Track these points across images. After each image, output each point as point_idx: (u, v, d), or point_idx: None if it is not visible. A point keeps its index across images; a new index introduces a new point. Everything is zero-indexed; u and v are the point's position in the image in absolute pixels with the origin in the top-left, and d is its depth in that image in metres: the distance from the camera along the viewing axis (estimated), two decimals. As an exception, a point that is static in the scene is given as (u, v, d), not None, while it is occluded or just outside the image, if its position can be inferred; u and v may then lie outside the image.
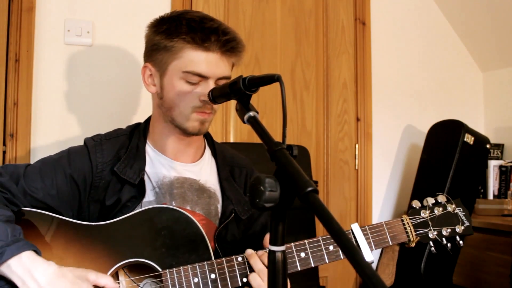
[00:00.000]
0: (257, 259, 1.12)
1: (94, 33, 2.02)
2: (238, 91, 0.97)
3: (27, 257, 1.02)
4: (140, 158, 1.26)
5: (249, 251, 1.14)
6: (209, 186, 1.32)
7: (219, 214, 1.30)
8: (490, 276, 2.11)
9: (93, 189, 1.23)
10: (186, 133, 1.25)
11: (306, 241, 1.16)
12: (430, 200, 1.25)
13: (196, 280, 1.09)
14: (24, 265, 1.01)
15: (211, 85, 1.20)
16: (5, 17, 1.87)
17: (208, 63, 1.18)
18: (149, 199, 1.24)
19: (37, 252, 1.05)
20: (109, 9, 2.05)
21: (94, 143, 1.27)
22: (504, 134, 2.70)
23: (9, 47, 1.87)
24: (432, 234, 1.22)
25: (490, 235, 2.09)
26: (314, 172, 2.36)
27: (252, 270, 1.12)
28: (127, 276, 1.14)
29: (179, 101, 1.21)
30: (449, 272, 2.26)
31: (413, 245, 1.22)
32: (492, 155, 2.60)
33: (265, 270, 1.08)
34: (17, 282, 1.01)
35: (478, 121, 2.80)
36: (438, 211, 1.23)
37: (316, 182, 2.31)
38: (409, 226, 1.21)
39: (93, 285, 1.05)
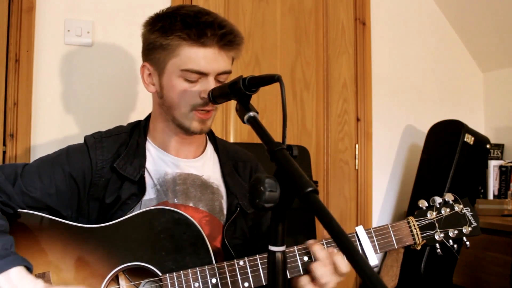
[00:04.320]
0: (320, 247, 1.07)
1: (94, 33, 2.02)
2: (238, 91, 0.97)
3: (16, 274, 0.99)
4: (140, 155, 1.24)
5: (311, 241, 1.10)
6: (212, 181, 1.30)
7: (224, 210, 1.28)
8: (490, 276, 2.11)
9: (92, 187, 1.21)
10: (188, 132, 1.23)
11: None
12: (437, 200, 1.20)
13: (196, 284, 1.07)
14: (11, 283, 0.98)
15: (210, 81, 1.17)
16: (5, 18, 1.87)
17: (206, 59, 1.16)
18: (150, 197, 1.22)
19: (28, 267, 1.02)
20: (109, 9, 2.05)
21: (94, 140, 1.25)
22: (504, 134, 2.70)
23: (9, 47, 1.88)
24: (439, 236, 1.17)
25: (490, 235, 2.09)
26: (314, 172, 2.36)
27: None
28: (127, 280, 1.12)
29: (179, 100, 1.19)
30: (449, 272, 2.25)
31: (418, 247, 1.18)
32: (492, 155, 2.60)
33: (326, 259, 1.05)
34: None
35: (478, 121, 2.80)
36: (445, 211, 1.19)
37: (316, 182, 2.30)
38: (415, 229, 1.17)
39: None
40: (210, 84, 1.17)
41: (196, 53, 1.15)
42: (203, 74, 1.17)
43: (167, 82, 1.20)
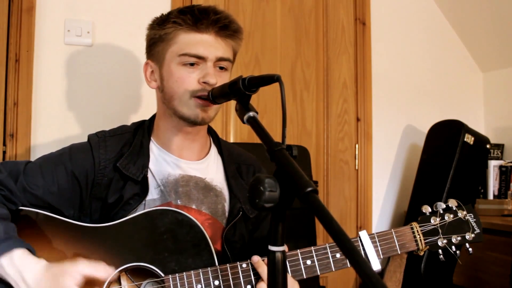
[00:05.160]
0: (265, 267, 1.07)
1: (94, 33, 2.02)
2: (237, 91, 0.97)
3: (18, 256, 1.00)
4: (143, 155, 1.24)
5: (256, 258, 1.10)
6: (216, 184, 1.29)
7: (226, 213, 1.28)
8: (490, 276, 2.11)
9: (95, 186, 1.21)
10: (190, 122, 1.21)
11: (312, 248, 1.13)
12: (441, 205, 1.20)
13: (199, 286, 1.07)
14: (15, 265, 0.99)
15: (209, 67, 1.18)
16: (5, 17, 1.87)
17: (203, 44, 1.17)
18: (153, 197, 1.21)
19: (30, 250, 1.03)
20: (109, 9, 2.05)
21: (98, 139, 1.25)
22: (504, 134, 2.70)
23: (9, 47, 1.87)
24: (442, 242, 1.18)
25: (490, 235, 2.09)
26: (314, 172, 2.36)
27: (259, 278, 1.08)
28: (130, 280, 1.12)
29: (178, 87, 1.18)
30: (449, 272, 2.25)
31: (421, 253, 1.18)
32: (492, 155, 2.60)
33: None
34: (11, 283, 1.00)
35: (478, 121, 2.80)
36: (448, 217, 1.19)
37: (316, 182, 2.30)
38: (418, 234, 1.17)
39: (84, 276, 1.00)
40: (209, 70, 1.17)
41: (194, 38, 1.18)
42: (201, 59, 1.18)
43: (167, 72, 1.21)
